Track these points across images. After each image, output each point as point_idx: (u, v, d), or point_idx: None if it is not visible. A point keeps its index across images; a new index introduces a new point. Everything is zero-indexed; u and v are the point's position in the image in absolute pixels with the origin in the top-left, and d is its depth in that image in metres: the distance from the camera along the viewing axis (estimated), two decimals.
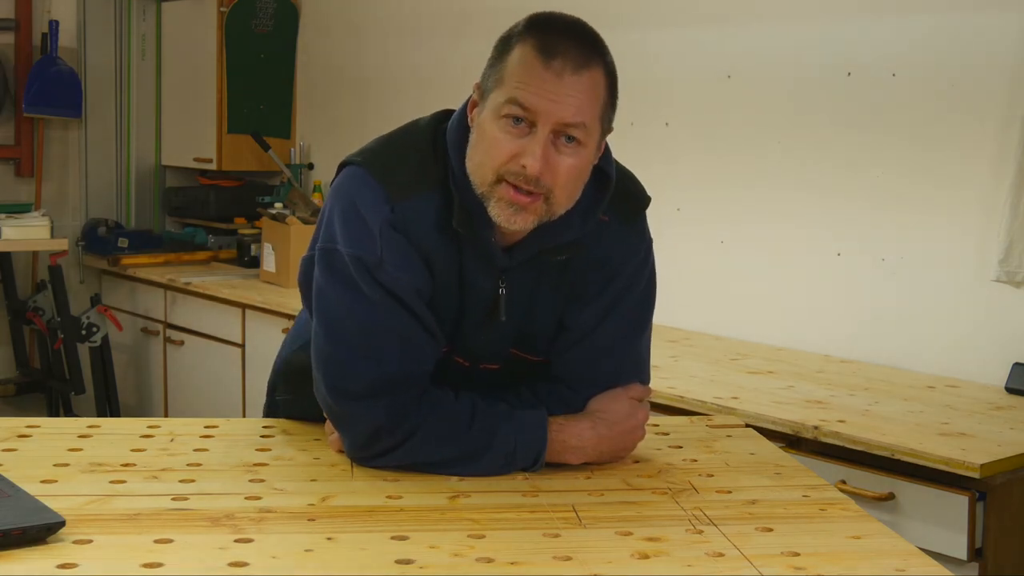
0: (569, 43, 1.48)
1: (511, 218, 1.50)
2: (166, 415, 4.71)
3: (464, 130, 1.57)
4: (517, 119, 1.47)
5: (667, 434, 1.84)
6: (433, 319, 1.58)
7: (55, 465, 1.55)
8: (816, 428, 2.39)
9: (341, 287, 1.55)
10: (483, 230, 1.55)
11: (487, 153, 1.50)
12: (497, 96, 1.50)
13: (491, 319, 1.62)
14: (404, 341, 1.55)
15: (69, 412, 4.81)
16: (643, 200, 1.70)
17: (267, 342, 4.15)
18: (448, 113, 1.64)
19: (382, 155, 1.59)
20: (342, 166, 1.62)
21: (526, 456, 1.58)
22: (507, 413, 1.58)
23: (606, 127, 1.55)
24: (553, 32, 1.49)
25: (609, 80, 1.52)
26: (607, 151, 1.61)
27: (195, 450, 1.66)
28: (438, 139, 1.59)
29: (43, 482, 1.48)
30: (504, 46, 1.52)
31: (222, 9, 4.95)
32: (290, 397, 1.80)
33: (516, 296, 1.62)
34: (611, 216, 1.63)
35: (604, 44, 1.53)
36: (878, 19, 3.07)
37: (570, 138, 1.48)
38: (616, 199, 1.62)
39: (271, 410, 1.89)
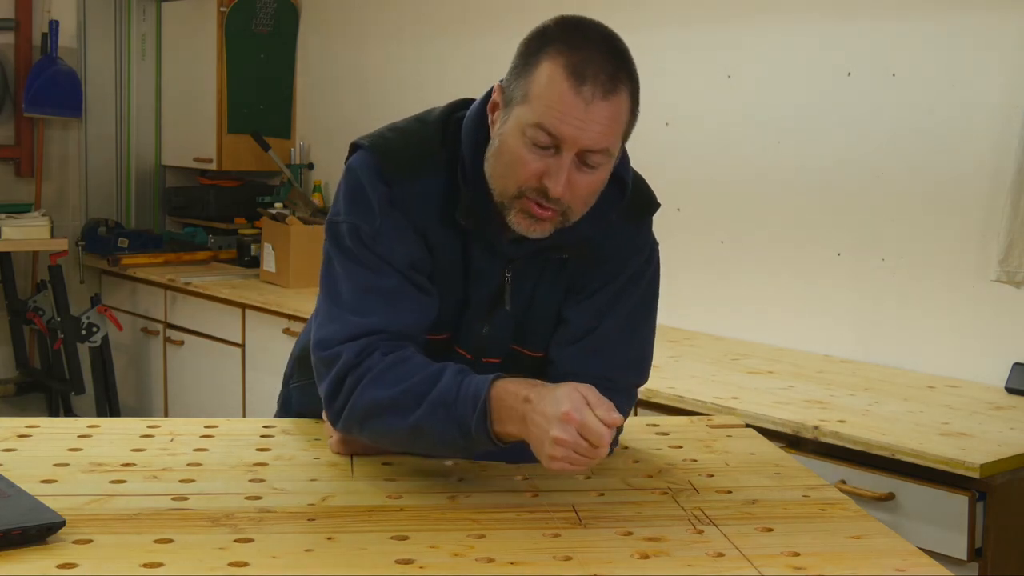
0: (600, 62, 1.46)
1: (530, 227, 1.52)
2: (166, 415, 4.70)
3: (482, 127, 1.57)
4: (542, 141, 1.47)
5: (667, 434, 1.84)
6: (428, 284, 1.59)
7: (55, 465, 1.55)
8: (816, 428, 2.39)
9: (341, 255, 1.59)
10: (489, 223, 1.55)
11: (509, 168, 1.50)
12: (522, 113, 1.48)
13: (495, 308, 1.63)
14: (390, 300, 1.56)
15: (69, 412, 4.81)
16: (652, 203, 1.71)
17: (267, 342, 4.15)
18: (464, 102, 1.64)
19: (389, 139, 1.61)
20: (353, 147, 1.64)
21: (464, 406, 1.45)
22: (460, 368, 1.52)
23: (626, 139, 1.55)
24: (583, 50, 1.46)
25: (633, 97, 1.51)
26: (624, 155, 1.62)
27: (195, 450, 1.66)
28: (449, 128, 1.61)
29: (43, 482, 1.48)
30: (533, 55, 1.49)
31: (222, 9, 4.95)
32: (305, 382, 1.81)
33: (521, 286, 1.63)
34: (618, 216, 1.64)
35: (630, 57, 1.51)
36: (878, 19, 3.07)
37: (592, 158, 1.49)
38: (626, 200, 1.63)
39: (285, 401, 1.91)
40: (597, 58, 1.46)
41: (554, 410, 1.38)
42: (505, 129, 1.51)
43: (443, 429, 1.47)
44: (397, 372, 1.51)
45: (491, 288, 1.62)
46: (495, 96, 1.55)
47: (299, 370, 1.86)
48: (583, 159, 1.48)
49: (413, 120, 1.65)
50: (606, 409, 1.38)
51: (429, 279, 1.60)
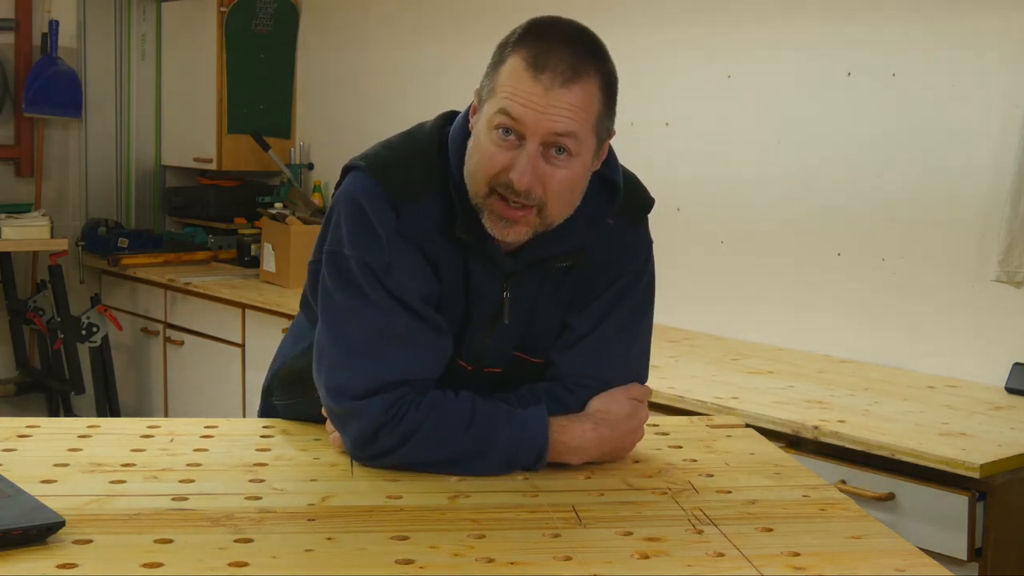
0: (561, 54, 1.46)
1: (503, 231, 1.51)
2: (166, 415, 4.71)
3: (466, 135, 1.57)
4: (507, 130, 1.47)
5: (667, 434, 1.84)
6: (443, 322, 1.58)
7: (55, 465, 1.55)
8: (816, 428, 2.39)
9: (347, 290, 1.56)
10: (487, 237, 1.54)
11: (479, 164, 1.50)
12: (490, 106, 1.49)
13: (495, 322, 1.62)
14: (407, 344, 1.55)
15: (69, 412, 4.81)
16: (647, 203, 1.70)
17: (267, 342, 4.15)
18: (453, 115, 1.63)
19: (386, 159, 1.59)
20: (346, 169, 1.62)
21: (527, 456, 1.58)
22: (507, 412, 1.58)
23: (603, 135, 1.54)
24: (545, 42, 1.47)
25: (605, 88, 1.50)
26: (612, 157, 1.61)
27: (195, 450, 1.65)
28: (443, 142, 1.60)
29: (43, 482, 1.48)
30: (499, 55, 1.51)
31: (222, 9, 4.95)
32: (288, 402, 1.80)
33: (520, 299, 1.62)
34: (615, 220, 1.63)
35: (602, 50, 1.51)
36: (878, 19, 3.07)
37: (561, 150, 1.48)
38: (621, 203, 1.62)
39: (266, 414, 1.87)
40: (559, 49, 1.47)
41: (620, 411, 1.63)
42: (478, 127, 1.52)
43: (499, 472, 1.58)
44: (443, 426, 1.54)
45: (491, 303, 1.62)
46: (473, 102, 1.56)
47: (280, 389, 1.82)
48: (550, 150, 1.48)
49: (405, 137, 1.63)
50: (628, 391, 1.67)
51: (437, 305, 1.59)
